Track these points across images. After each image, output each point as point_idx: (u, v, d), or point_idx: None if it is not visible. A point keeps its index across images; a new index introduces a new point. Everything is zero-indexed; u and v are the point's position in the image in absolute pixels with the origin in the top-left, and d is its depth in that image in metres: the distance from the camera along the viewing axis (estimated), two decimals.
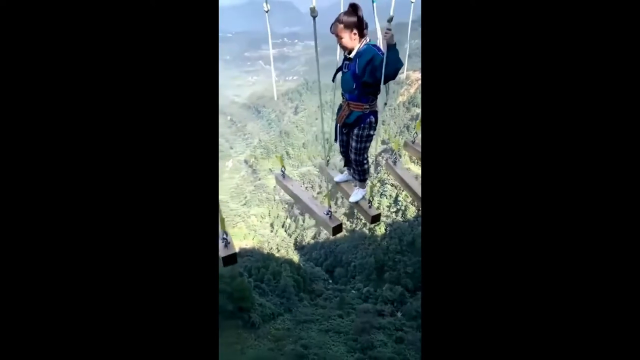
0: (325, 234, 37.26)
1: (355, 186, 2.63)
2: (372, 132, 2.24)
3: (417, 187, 2.77)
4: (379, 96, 2.15)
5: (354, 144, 2.29)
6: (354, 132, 2.25)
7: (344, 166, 2.69)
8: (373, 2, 2.22)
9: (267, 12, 2.01)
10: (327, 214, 2.35)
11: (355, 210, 2.63)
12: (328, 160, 2.96)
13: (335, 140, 2.47)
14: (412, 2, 2.25)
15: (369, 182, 2.56)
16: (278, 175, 2.82)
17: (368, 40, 2.06)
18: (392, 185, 35.66)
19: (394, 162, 2.93)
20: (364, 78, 2.04)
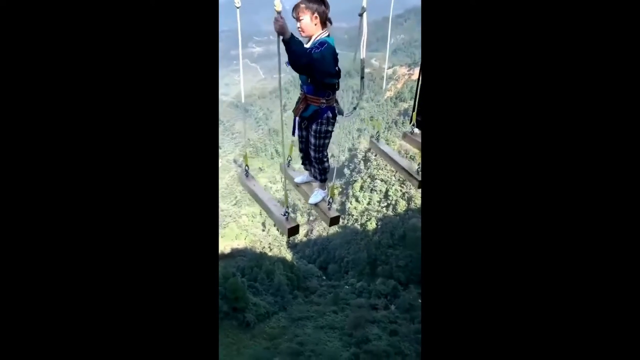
0: (317, 231, 37.32)
1: (316, 187, 2.53)
2: (330, 128, 2.20)
3: (402, 161, 2.82)
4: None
5: (312, 140, 2.24)
6: (312, 128, 2.20)
7: (302, 164, 2.62)
8: None
9: (238, 8, 1.96)
10: (284, 215, 2.31)
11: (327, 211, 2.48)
12: (289, 161, 2.83)
13: (293, 134, 2.38)
14: None
15: (329, 183, 2.46)
16: (241, 174, 2.75)
17: (328, 35, 1.99)
18: (381, 180, 35.93)
19: (377, 139, 2.99)
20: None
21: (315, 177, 2.53)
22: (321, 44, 1.94)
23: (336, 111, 2.18)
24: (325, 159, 2.33)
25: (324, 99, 2.09)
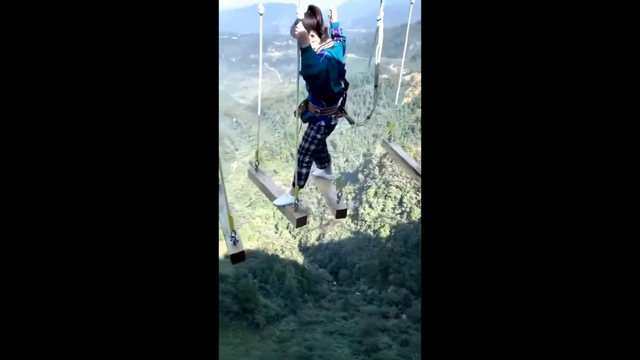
0: (329, 236, 37.18)
1: (288, 191, 2.53)
2: (318, 136, 2.27)
3: (412, 162, 2.89)
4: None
5: (301, 140, 2.32)
6: (305, 130, 2.31)
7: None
8: (381, 1, 2.20)
9: (261, 14, 2.02)
10: (294, 205, 2.36)
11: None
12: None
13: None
14: (412, 3, 2.24)
15: (332, 178, 2.54)
16: (251, 169, 2.84)
17: (331, 45, 2.05)
18: (396, 187, 35.53)
19: (389, 140, 3.08)
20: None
21: (324, 171, 2.62)
22: (319, 55, 1.98)
23: (332, 122, 2.23)
24: (304, 164, 2.34)
25: (318, 108, 2.18)
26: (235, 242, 2.11)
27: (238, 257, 2.11)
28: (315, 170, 2.75)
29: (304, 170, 2.36)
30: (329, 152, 2.72)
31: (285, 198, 2.46)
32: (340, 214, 2.47)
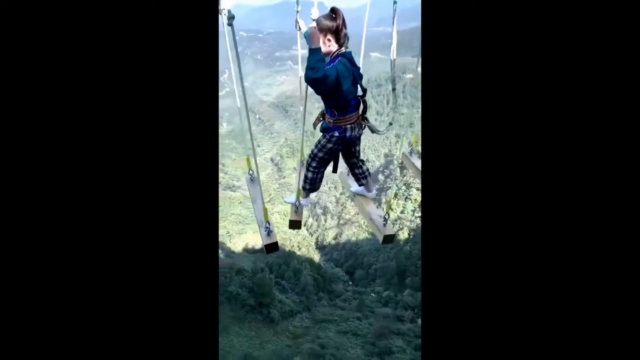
0: (346, 235, 37.07)
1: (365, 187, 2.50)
2: (330, 145, 2.13)
3: None
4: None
5: (313, 147, 2.24)
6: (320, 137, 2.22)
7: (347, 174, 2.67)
8: (395, 2, 2.14)
9: (297, 12, 2.01)
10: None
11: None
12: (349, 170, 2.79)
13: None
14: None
15: (372, 195, 2.47)
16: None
17: (345, 50, 1.89)
18: (417, 189, 34.91)
19: (410, 153, 2.79)
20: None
21: (364, 188, 2.52)
22: (332, 60, 1.86)
23: (348, 134, 2.09)
24: (310, 168, 2.27)
25: (331, 117, 2.06)
26: (269, 232, 2.16)
27: (272, 248, 2.17)
28: (352, 186, 2.64)
29: (309, 175, 2.31)
30: (366, 168, 2.51)
31: (292, 197, 2.48)
32: (387, 239, 2.23)
